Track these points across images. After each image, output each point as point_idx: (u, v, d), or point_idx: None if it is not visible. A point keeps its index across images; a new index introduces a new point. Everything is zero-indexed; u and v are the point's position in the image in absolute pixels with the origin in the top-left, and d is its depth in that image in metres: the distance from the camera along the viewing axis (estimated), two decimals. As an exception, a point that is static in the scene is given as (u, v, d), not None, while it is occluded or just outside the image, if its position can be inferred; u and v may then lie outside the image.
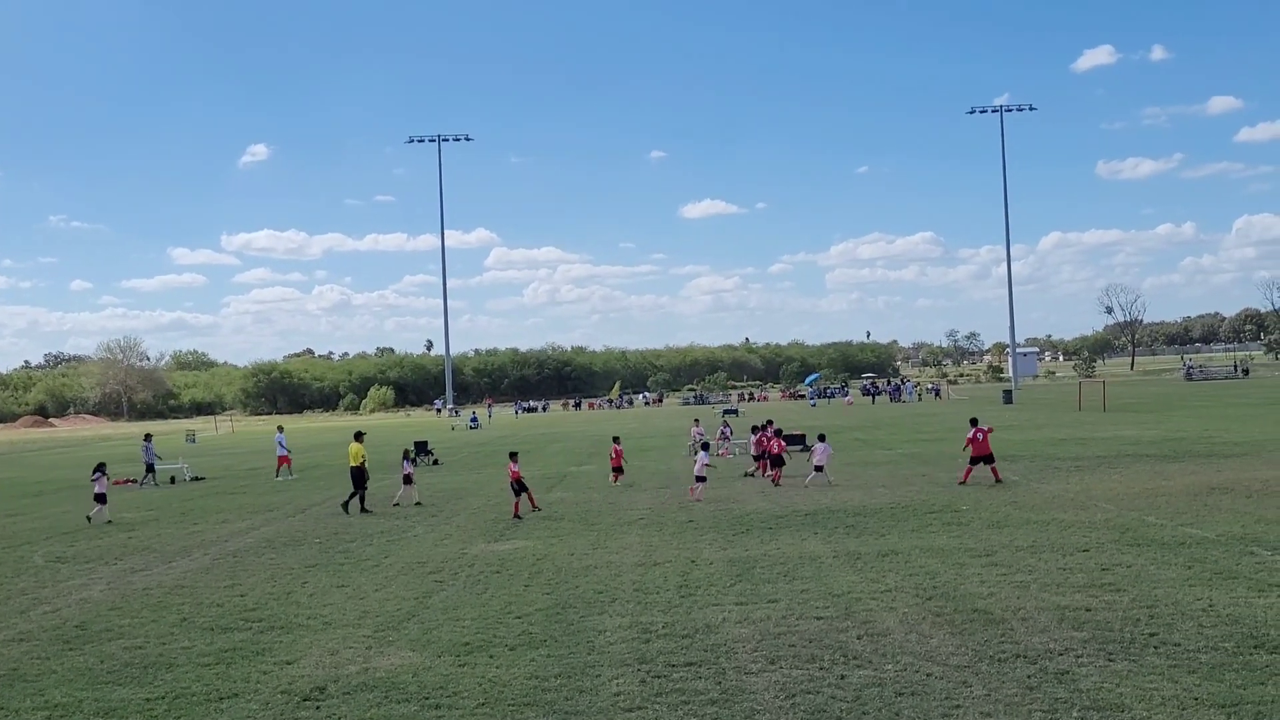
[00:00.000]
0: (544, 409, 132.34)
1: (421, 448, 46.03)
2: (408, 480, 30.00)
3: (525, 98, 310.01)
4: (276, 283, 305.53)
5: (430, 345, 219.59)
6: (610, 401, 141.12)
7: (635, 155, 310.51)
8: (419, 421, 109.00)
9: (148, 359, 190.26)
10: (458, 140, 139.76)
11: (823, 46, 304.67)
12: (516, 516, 25.39)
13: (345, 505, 28.44)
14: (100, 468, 29.95)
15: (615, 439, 35.51)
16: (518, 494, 26.09)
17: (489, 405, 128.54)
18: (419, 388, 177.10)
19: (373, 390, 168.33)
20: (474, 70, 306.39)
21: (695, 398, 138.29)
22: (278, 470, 41.52)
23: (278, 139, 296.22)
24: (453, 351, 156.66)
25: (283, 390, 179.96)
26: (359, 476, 28.54)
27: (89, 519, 28.62)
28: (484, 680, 11.78)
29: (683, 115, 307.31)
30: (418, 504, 29.10)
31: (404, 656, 12.97)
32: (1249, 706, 9.77)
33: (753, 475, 32.73)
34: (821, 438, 31.29)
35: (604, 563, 18.96)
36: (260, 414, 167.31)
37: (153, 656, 13.56)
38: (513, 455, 27.11)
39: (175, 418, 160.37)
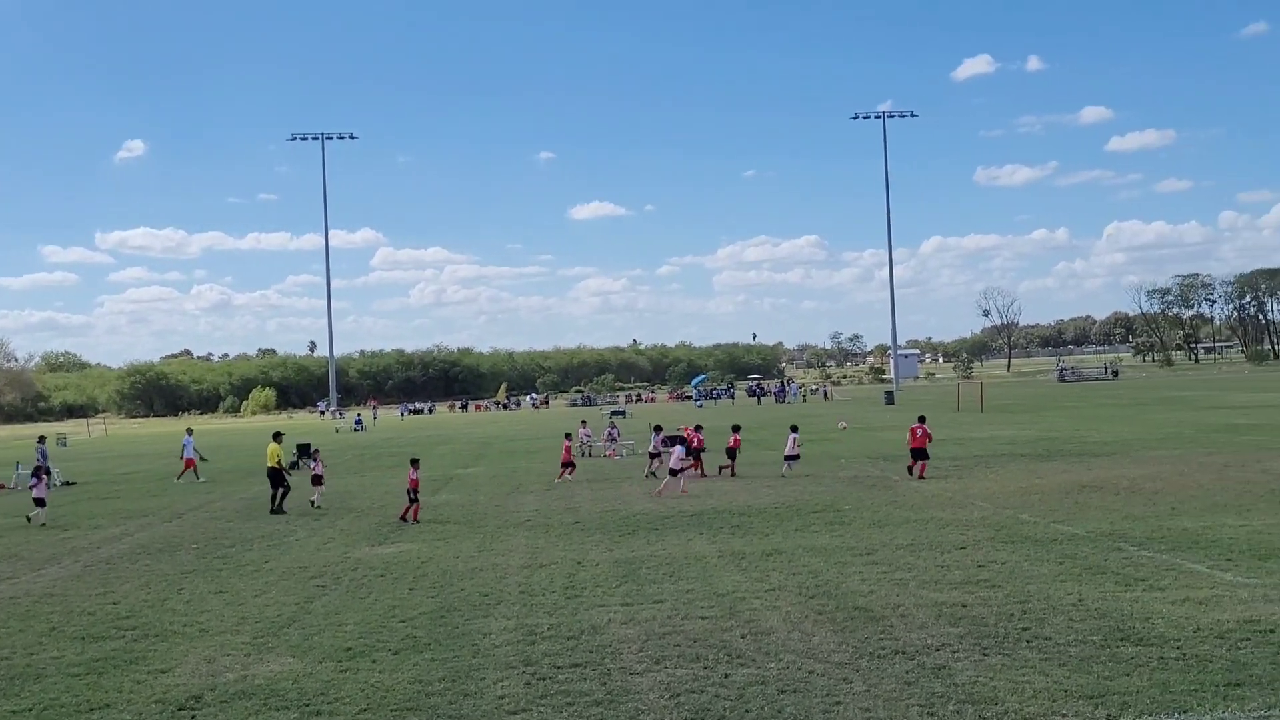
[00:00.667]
0: (430, 411, 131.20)
1: (304, 450, 45.17)
2: (317, 480, 29.46)
3: (412, 97, 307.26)
4: (153, 282, 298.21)
5: (314, 346, 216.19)
6: (497, 403, 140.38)
7: (523, 156, 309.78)
8: (302, 424, 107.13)
9: (15, 360, 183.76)
10: (342, 139, 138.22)
11: (710, 51, 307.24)
12: (403, 520, 25.08)
13: (277, 508, 28.10)
14: (37, 473, 29.39)
15: (567, 435, 36.02)
16: (412, 502, 25.77)
17: (374, 407, 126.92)
18: (302, 389, 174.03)
19: (254, 392, 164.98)
20: (360, 68, 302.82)
21: (583, 399, 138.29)
22: (195, 472, 40.62)
23: (155, 134, 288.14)
24: (337, 353, 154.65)
25: (159, 392, 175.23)
26: (276, 477, 28.41)
27: (29, 519, 28.13)
28: (366, 685, 11.64)
29: (571, 117, 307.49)
30: (314, 505, 28.63)
31: (284, 663, 12.74)
32: (1115, 697, 10.10)
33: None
34: (794, 429, 32.16)
35: (490, 565, 18.86)
36: (136, 416, 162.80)
37: (20, 667, 13.11)
38: (414, 462, 26.77)
39: (45, 420, 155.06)
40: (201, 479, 39.83)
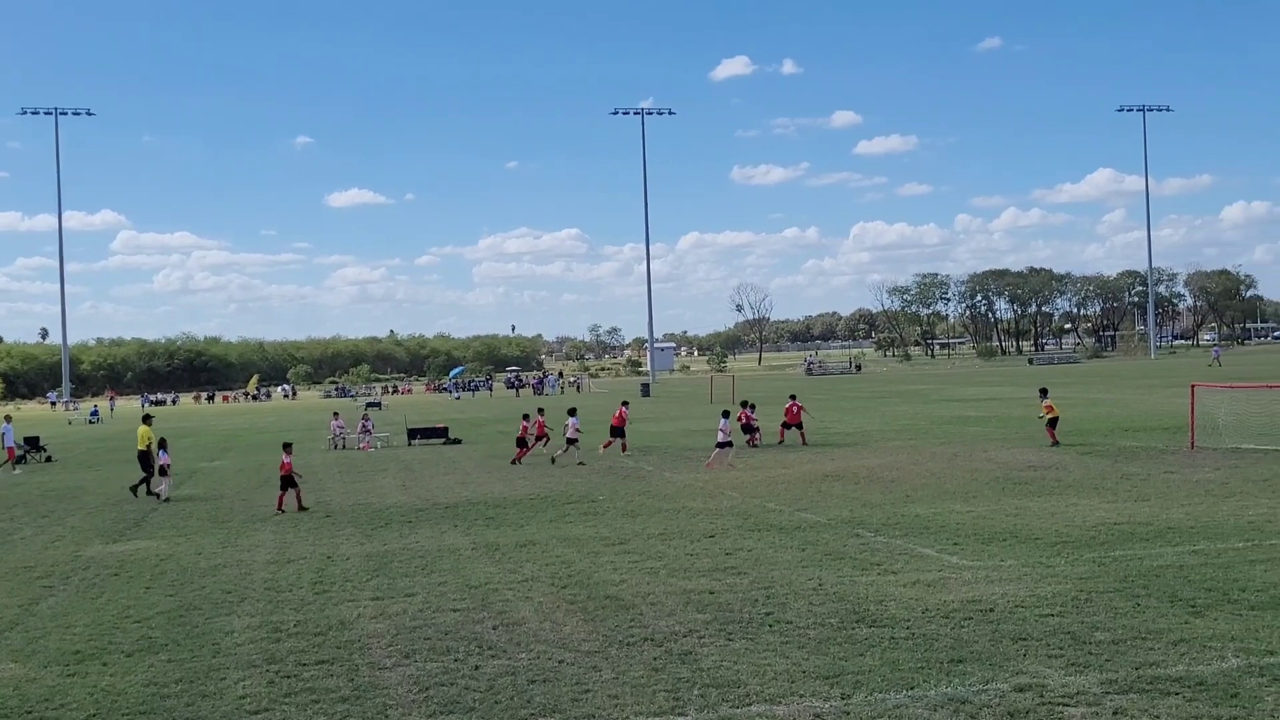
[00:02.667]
0: (174, 402, 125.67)
1: (33, 443, 42.53)
2: (163, 471, 27.86)
3: (159, 74, 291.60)
4: None
5: (45, 334, 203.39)
6: (247, 394, 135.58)
7: (279, 140, 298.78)
8: (31, 415, 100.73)
9: None
10: (79, 114, 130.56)
11: (474, 42, 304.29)
12: (280, 510, 24.08)
13: (135, 489, 28.07)
14: None
15: (525, 416, 35.70)
16: (284, 489, 24.53)
17: (111, 398, 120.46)
18: (31, 379, 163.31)
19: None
20: (102, 42, 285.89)
21: (337, 390, 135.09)
22: (12, 464, 37.86)
23: None
24: (72, 340, 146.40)
25: None
26: (146, 460, 28.20)
27: None
28: (96, 690, 11.05)
29: (331, 101, 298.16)
30: (161, 497, 27.25)
31: (4, 669, 11.96)
32: (849, 676, 10.57)
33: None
34: (725, 414, 32.02)
35: (234, 561, 18.23)
36: None
37: None
38: (286, 446, 25.66)
39: None
40: (16, 470, 37.09)
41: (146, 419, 29.60)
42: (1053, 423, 32.07)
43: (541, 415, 35.21)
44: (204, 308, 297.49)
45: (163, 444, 28.55)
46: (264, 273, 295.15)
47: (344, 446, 42.48)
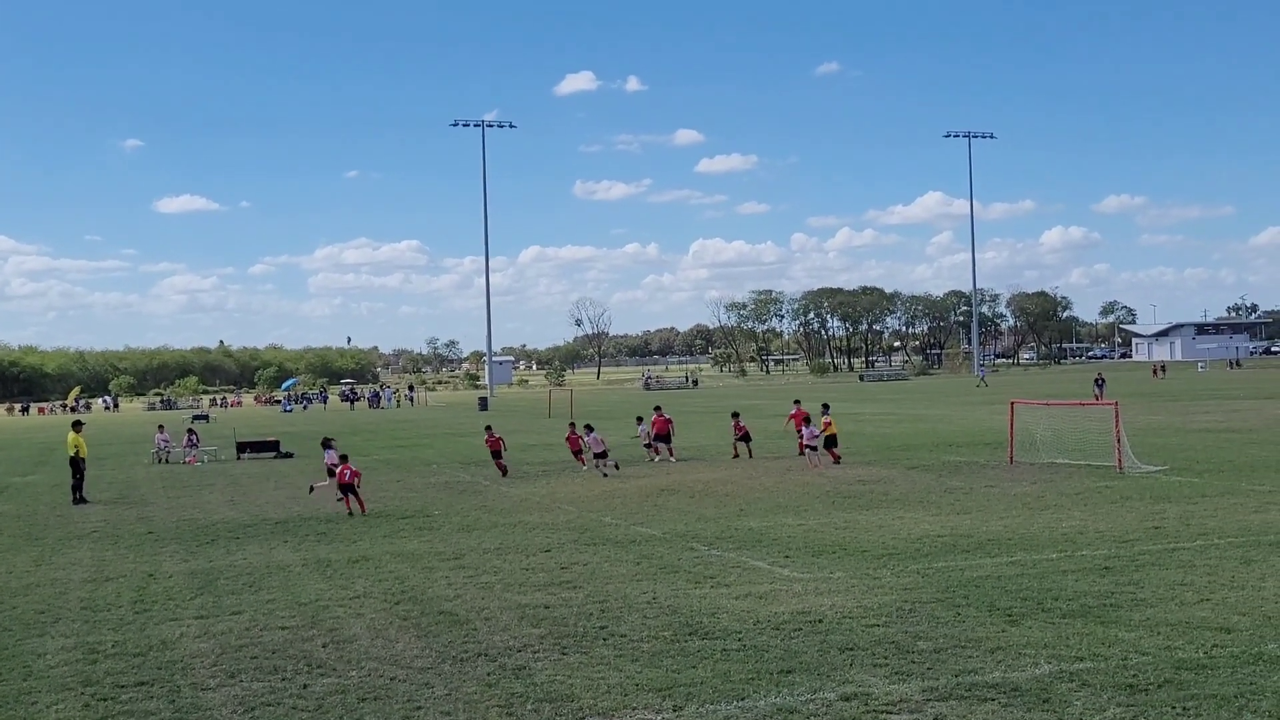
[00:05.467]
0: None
1: None
2: (332, 473, 26.70)
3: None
4: None
5: None
6: (65, 406, 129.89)
7: (107, 142, 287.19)
8: None
9: None
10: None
11: (312, 49, 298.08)
12: (349, 513, 23.90)
13: (79, 498, 28.22)
14: None
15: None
16: (346, 495, 24.16)
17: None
18: None
19: None
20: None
21: (163, 402, 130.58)
22: None
23: None
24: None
25: None
26: (77, 465, 28.58)
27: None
28: (-107, 718, 10.47)
29: (162, 103, 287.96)
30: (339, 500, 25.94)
31: None
32: (682, 688, 10.69)
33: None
34: (808, 420, 32.85)
35: (48, 580, 17.50)
36: None
37: None
38: (343, 458, 25.90)
39: None
40: None
41: (76, 425, 29.97)
42: (831, 440, 31.83)
43: (573, 429, 34.34)
44: (20, 315, 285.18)
45: (327, 442, 29.36)
46: (87, 280, 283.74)
47: (169, 460, 41.09)
